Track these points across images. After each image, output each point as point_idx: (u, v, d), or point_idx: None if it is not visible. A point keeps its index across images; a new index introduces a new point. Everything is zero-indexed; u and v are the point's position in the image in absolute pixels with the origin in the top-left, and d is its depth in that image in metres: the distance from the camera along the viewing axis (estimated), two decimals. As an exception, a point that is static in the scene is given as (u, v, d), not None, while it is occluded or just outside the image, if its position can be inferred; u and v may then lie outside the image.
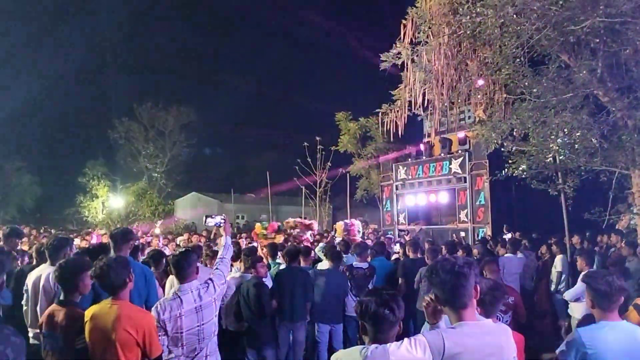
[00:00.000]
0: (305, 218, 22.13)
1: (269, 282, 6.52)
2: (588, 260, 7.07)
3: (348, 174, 23.69)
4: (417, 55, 10.59)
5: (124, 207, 31.32)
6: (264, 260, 7.16)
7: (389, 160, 20.81)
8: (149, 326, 3.48)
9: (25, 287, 4.87)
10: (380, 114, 12.60)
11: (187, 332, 3.84)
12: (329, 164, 24.42)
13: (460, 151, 17.44)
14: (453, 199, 17.74)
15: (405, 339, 2.30)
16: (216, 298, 4.07)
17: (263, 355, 6.14)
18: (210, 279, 4.12)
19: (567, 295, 6.89)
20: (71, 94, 45.04)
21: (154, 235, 17.08)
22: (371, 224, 21.93)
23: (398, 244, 11.95)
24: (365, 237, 14.78)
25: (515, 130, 9.65)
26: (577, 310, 6.67)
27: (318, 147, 24.26)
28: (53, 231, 16.19)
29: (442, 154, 18.23)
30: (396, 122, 12.34)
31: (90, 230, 18.59)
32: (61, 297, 3.78)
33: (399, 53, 10.63)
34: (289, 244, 10.15)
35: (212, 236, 13.53)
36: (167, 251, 10.67)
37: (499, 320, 4.76)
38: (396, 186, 20.09)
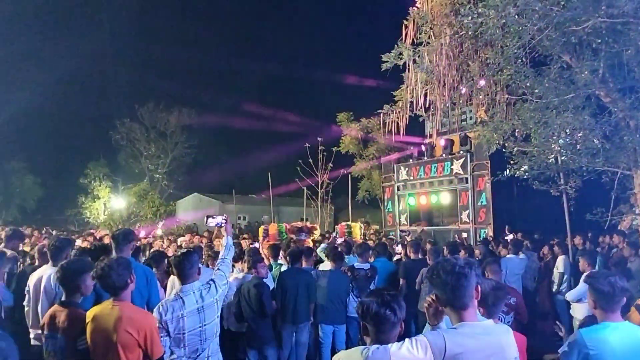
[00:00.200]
0: (307, 220, 22.13)
1: (269, 283, 6.53)
2: (590, 261, 7.07)
3: (350, 175, 23.67)
4: (418, 56, 10.57)
5: (125, 208, 31.31)
6: (265, 261, 7.17)
7: (390, 161, 20.79)
8: (150, 327, 3.48)
9: (27, 288, 4.88)
10: (381, 114, 12.60)
11: (189, 332, 3.84)
12: (330, 164, 24.40)
13: (461, 152, 17.41)
14: (455, 200, 17.71)
15: (407, 340, 2.30)
16: (218, 299, 4.07)
17: (264, 355, 6.14)
18: (212, 280, 4.12)
19: (569, 296, 6.88)
20: (73, 95, 45.02)
21: (156, 236, 17.09)
22: (373, 224, 21.91)
23: (400, 245, 11.94)
24: (367, 238, 14.78)
25: (517, 130, 9.64)
26: (579, 311, 6.67)
27: (319, 148, 24.23)
28: (55, 232, 16.15)
29: (444, 155, 18.20)
30: (397, 123, 12.34)
31: (92, 231, 18.59)
32: (63, 298, 3.79)
33: (401, 54, 10.61)
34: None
35: (213, 237, 13.54)
36: (170, 252, 10.68)
37: (501, 320, 4.75)
38: (398, 187, 20.07)
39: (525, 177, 9.82)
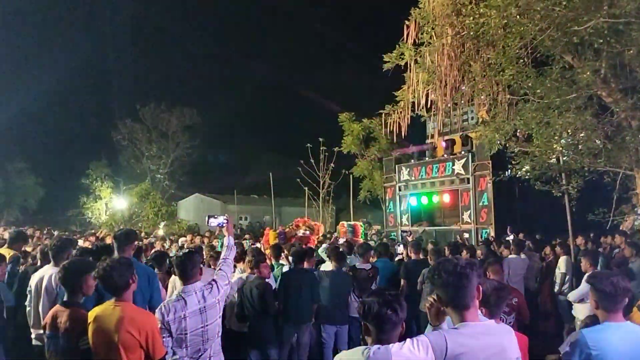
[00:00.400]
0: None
1: (271, 283, 6.52)
2: (592, 261, 7.05)
3: (351, 175, 23.68)
4: (420, 56, 10.57)
5: (127, 209, 31.34)
6: (267, 261, 7.16)
7: (391, 161, 20.78)
8: (151, 328, 3.48)
9: (28, 288, 4.89)
10: (383, 115, 12.59)
11: (191, 333, 3.84)
12: (332, 165, 24.41)
13: (463, 152, 17.40)
14: (456, 200, 17.70)
15: (408, 340, 2.29)
16: (220, 299, 4.07)
17: (266, 355, 6.13)
18: (214, 280, 4.12)
19: (571, 296, 6.87)
20: (74, 95, 45.20)
21: (158, 236, 17.09)
22: (374, 225, 21.92)
23: (402, 245, 11.94)
24: (368, 238, 14.78)
25: (518, 131, 9.64)
26: (581, 312, 6.65)
27: (321, 148, 24.25)
28: (56, 232, 16.16)
29: (445, 155, 18.19)
30: (399, 123, 12.33)
31: (93, 231, 18.60)
32: (65, 298, 3.79)
33: (402, 54, 10.61)
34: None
35: (212, 237, 13.55)
36: (172, 252, 10.69)
37: (503, 321, 4.75)
38: (399, 187, 20.06)
39: (526, 177, 9.83)
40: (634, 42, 7.71)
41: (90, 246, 8.32)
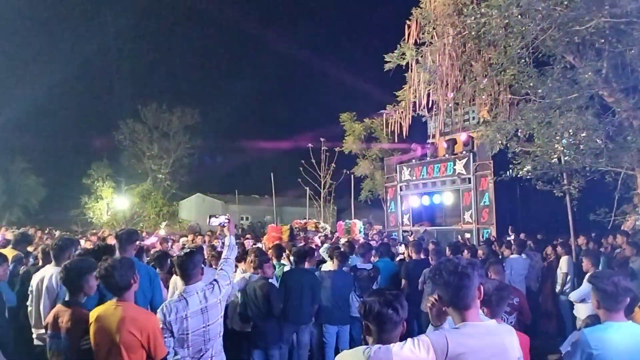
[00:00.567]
0: (309, 219, 22.13)
1: (274, 283, 6.52)
2: (594, 261, 7.04)
3: (352, 175, 23.67)
4: (421, 56, 10.58)
5: (128, 209, 31.38)
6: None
7: (393, 161, 20.78)
8: (153, 328, 3.48)
9: (30, 288, 4.89)
10: (384, 114, 12.60)
11: (193, 333, 3.84)
12: (333, 165, 24.41)
13: (464, 152, 17.39)
14: (457, 200, 17.70)
15: (409, 339, 2.30)
16: (221, 299, 4.07)
17: (269, 355, 6.13)
18: (216, 280, 4.12)
19: (573, 296, 6.86)
20: (76, 95, 45.24)
21: (159, 236, 17.09)
22: (375, 225, 21.91)
23: (403, 245, 11.94)
24: (370, 238, 14.77)
25: (520, 130, 9.63)
26: (582, 311, 6.64)
27: (322, 148, 24.24)
28: (58, 232, 16.17)
29: (447, 155, 18.19)
30: (400, 123, 12.34)
31: (95, 231, 18.61)
32: (66, 298, 3.79)
33: (404, 54, 10.62)
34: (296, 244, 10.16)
35: (212, 237, 13.55)
36: (174, 252, 10.67)
37: (504, 321, 4.75)
38: (400, 187, 20.06)
39: (528, 177, 9.81)
40: (635, 41, 7.71)
41: (92, 246, 8.33)
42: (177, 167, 36.58)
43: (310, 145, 24.04)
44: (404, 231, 19.37)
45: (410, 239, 13.97)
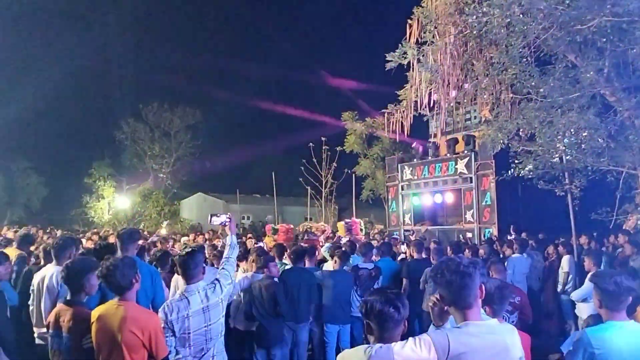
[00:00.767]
0: (310, 219, 22.15)
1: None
2: (596, 261, 7.05)
3: (354, 175, 23.67)
4: (423, 55, 10.55)
5: (130, 208, 31.40)
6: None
7: (394, 160, 20.77)
8: (154, 327, 3.49)
9: (31, 287, 4.90)
10: (386, 114, 12.58)
11: (194, 332, 3.84)
12: (334, 164, 24.41)
13: (466, 151, 17.37)
14: (459, 200, 17.67)
15: (410, 338, 2.30)
16: (223, 298, 4.07)
17: (272, 354, 6.14)
18: (217, 279, 4.12)
19: (575, 295, 6.86)
20: (77, 94, 45.19)
21: (161, 236, 17.11)
22: (377, 224, 21.91)
23: (405, 245, 11.95)
24: (371, 238, 14.77)
25: (521, 130, 9.61)
26: (584, 311, 6.65)
27: (324, 148, 24.25)
28: (59, 231, 16.19)
29: (448, 154, 18.16)
30: (402, 123, 12.32)
31: (96, 230, 18.63)
32: (68, 297, 3.80)
33: (405, 53, 10.59)
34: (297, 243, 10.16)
35: (213, 236, 13.57)
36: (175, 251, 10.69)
37: (505, 320, 4.75)
38: (402, 186, 20.03)
39: (530, 176, 9.80)
40: (637, 40, 7.69)
41: (93, 245, 8.35)
42: (178, 166, 36.60)
43: (311, 144, 24.04)
44: (405, 230, 19.36)
45: (412, 238, 13.97)
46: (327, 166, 24.51)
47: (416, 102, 11.33)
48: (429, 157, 19.00)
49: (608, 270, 6.29)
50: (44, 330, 4.23)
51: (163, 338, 3.56)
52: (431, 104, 11.25)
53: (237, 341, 6.32)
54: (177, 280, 6.44)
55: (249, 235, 14.85)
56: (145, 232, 17.52)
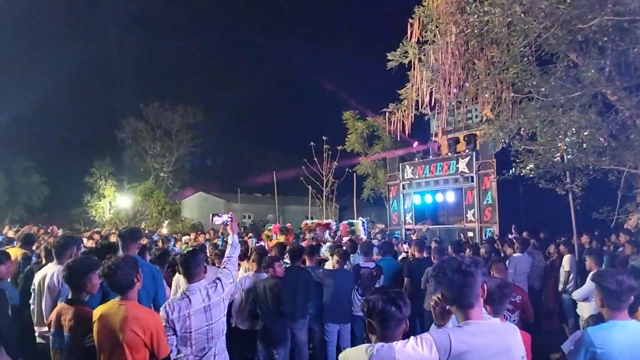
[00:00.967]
0: (312, 218, 22.12)
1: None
2: (597, 260, 7.04)
3: (355, 174, 23.64)
4: (424, 54, 10.54)
5: (131, 207, 31.41)
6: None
7: (395, 159, 20.75)
8: (156, 327, 3.49)
9: (32, 286, 4.91)
10: (387, 113, 12.57)
11: (196, 331, 3.85)
12: (335, 163, 24.37)
13: (467, 150, 17.37)
14: (460, 199, 17.67)
15: (412, 337, 2.30)
16: (224, 297, 4.08)
17: (275, 353, 6.14)
18: (219, 279, 4.13)
19: (576, 294, 6.86)
20: (78, 94, 45.23)
21: (162, 235, 17.14)
22: (378, 223, 21.89)
23: (407, 244, 11.95)
24: (372, 237, 14.77)
25: (522, 129, 9.60)
26: (585, 310, 6.65)
27: (325, 147, 24.21)
28: (61, 231, 16.19)
29: (449, 153, 18.16)
30: (403, 122, 12.31)
31: (98, 229, 18.64)
32: (69, 296, 3.80)
33: (406, 52, 10.59)
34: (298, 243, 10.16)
35: (213, 236, 13.58)
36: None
37: (506, 319, 4.75)
38: (403, 185, 20.02)
39: (531, 175, 9.80)
40: (638, 40, 7.69)
41: (94, 244, 8.36)
42: (179, 165, 36.65)
43: (312, 143, 24.00)
44: (406, 229, 19.36)
45: (413, 237, 13.97)
46: (328, 165, 24.48)
47: (417, 101, 11.31)
48: (430, 156, 19.00)
49: (610, 269, 6.28)
50: (45, 329, 4.24)
51: (164, 337, 3.57)
52: (432, 103, 11.24)
53: (238, 340, 6.33)
54: (179, 279, 6.45)
55: (250, 234, 14.86)
56: (146, 232, 17.52)
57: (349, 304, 7.03)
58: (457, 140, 18.16)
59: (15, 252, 6.75)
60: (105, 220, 30.25)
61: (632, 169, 8.76)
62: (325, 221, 13.90)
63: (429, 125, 19.97)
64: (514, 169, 10.15)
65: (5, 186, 30.60)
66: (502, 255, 9.31)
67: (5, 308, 4.98)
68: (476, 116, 17.61)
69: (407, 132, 12.33)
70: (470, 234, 16.00)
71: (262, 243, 11.25)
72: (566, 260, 8.74)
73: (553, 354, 6.39)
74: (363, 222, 13.93)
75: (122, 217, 30.04)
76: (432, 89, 10.92)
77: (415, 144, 19.84)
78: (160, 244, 11.65)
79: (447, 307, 2.51)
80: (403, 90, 11.77)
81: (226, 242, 5.75)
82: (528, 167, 9.74)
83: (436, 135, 18.54)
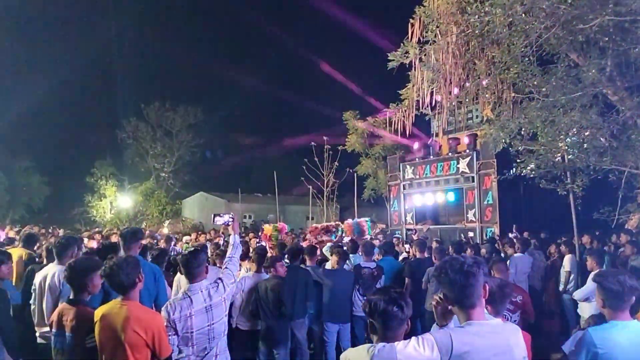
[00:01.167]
0: (312, 218, 22.11)
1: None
2: (598, 260, 7.04)
3: (355, 174, 23.64)
4: (424, 55, 10.54)
5: (131, 207, 31.44)
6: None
7: (396, 159, 20.76)
8: (158, 327, 3.49)
9: (33, 287, 4.91)
10: (387, 113, 12.58)
11: (197, 331, 3.85)
12: (336, 163, 24.37)
13: (468, 150, 17.38)
14: (461, 199, 17.69)
15: (413, 338, 2.30)
16: (226, 297, 4.08)
17: (276, 353, 6.14)
18: (220, 279, 4.13)
19: (577, 294, 6.86)
20: (79, 94, 45.32)
21: (163, 235, 17.14)
22: (379, 223, 21.89)
23: (409, 244, 11.94)
24: (373, 237, 14.75)
25: (523, 129, 9.60)
26: (586, 310, 6.64)
27: (325, 147, 24.22)
28: (61, 231, 16.20)
29: (450, 154, 18.17)
30: (404, 122, 12.31)
31: (99, 229, 18.66)
32: (71, 297, 3.80)
33: (407, 52, 10.59)
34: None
35: (214, 236, 13.56)
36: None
37: (507, 319, 4.75)
38: (403, 186, 20.04)
39: (531, 175, 9.80)
40: (639, 39, 7.68)
41: (96, 245, 8.37)
42: (180, 165, 36.66)
43: (313, 143, 24.00)
44: (407, 229, 19.37)
45: (414, 237, 13.96)
46: (328, 165, 24.48)
47: (418, 101, 11.32)
48: (431, 157, 19.01)
49: (612, 269, 6.28)
50: (46, 329, 4.24)
51: (166, 337, 3.56)
52: (433, 103, 11.25)
53: (240, 340, 6.33)
54: (180, 279, 6.46)
55: (251, 234, 14.84)
56: (148, 231, 17.54)
57: (349, 304, 7.02)
58: (457, 141, 18.18)
59: (19, 252, 6.75)
60: (106, 220, 30.29)
61: (633, 169, 8.75)
62: (332, 224, 13.86)
63: (429, 126, 19.98)
64: (514, 169, 10.15)
65: (6, 186, 30.60)
66: (503, 255, 9.30)
67: (7, 308, 4.99)
68: (477, 116, 17.64)
69: (407, 132, 12.34)
70: (471, 234, 16.01)
71: (263, 243, 11.24)
72: (567, 260, 8.74)
73: (554, 354, 6.39)
74: (367, 222, 13.92)
75: (123, 217, 30.08)
76: (432, 89, 10.93)
77: (416, 144, 19.85)
78: (160, 243, 11.66)
79: (449, 307, 2.51)
80: (404, 90, 11.78)
81: (227, 242, 5.76)
82: (529, 167, 9.73)
83: (437, 135, 18.55)
